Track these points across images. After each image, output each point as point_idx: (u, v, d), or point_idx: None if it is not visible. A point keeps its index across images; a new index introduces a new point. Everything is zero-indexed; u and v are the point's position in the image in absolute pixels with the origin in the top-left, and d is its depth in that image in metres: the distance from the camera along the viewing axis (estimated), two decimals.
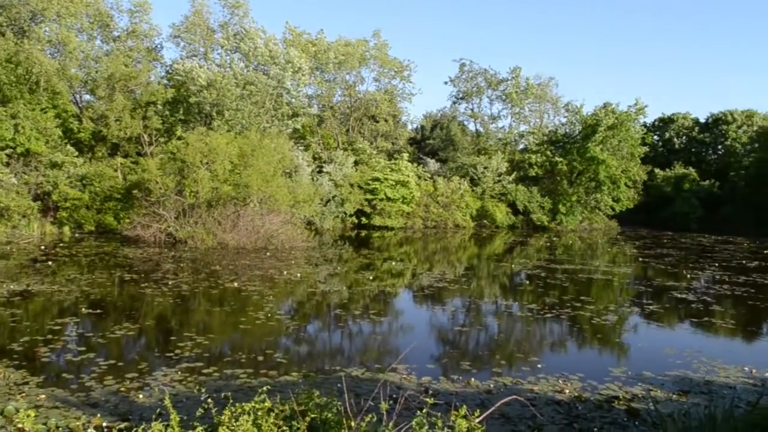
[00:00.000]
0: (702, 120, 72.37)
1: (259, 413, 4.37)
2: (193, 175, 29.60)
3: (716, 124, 69.32)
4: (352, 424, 3.72)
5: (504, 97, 58.55)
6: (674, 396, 10.13)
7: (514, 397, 4.68)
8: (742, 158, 61.47)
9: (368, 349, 13.14)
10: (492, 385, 10.34)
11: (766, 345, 15.11)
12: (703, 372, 11.62)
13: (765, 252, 37.42)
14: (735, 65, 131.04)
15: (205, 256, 26.37)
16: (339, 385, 9.77)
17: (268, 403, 4.53)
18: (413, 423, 3.24)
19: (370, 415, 3.86)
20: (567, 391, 10.13)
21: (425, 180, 49.89)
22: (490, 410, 3.62)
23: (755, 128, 63.17)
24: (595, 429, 8.44)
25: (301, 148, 44.73)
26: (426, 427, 3.15)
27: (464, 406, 3.30)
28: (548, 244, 39.99)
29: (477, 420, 3.25)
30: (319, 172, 44.25)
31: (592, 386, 10.44)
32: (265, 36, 43.28)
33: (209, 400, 5.26)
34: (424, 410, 3.34)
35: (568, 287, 21.77)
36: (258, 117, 40.31)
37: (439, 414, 3.59)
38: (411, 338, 14.29)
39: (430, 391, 9.76)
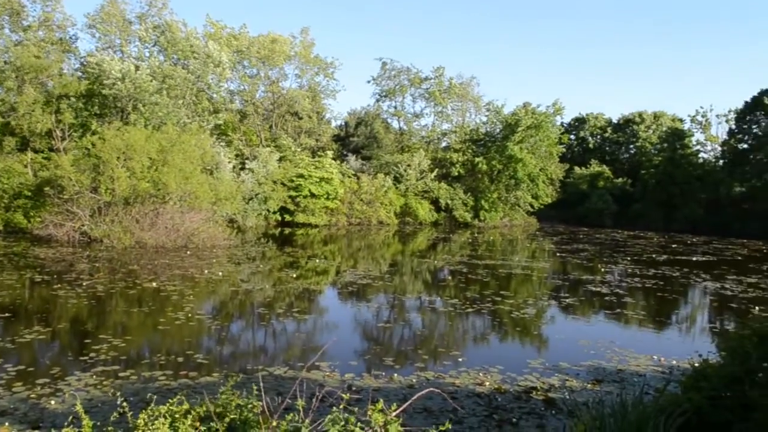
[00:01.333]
0: (615, 120, 75.42)
1: (177, 416, 4.26)
2: (109, 171, 28.54)
3: (627, 124, 72.39)
4: (274, 423, 3.68)
5: (427, 95, 59.32)
6: (589, 385, 10.52)
7: (431, 389, 4.75)
8: (652, 157, 64.38)
9: (292, 348, 13.03)
10: (414, 380, 10.46)
11: (673, 334, 15.89)
12: (615, 361, 12.13)
13: (673, 246, 39.37)
14: (646, 68, 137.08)
15: (123, 255, 25.50)
16: (261, 384, 9.66)
17: (186, 405, 4.43)
18: (326, 419, 3.24)
19: (291, 414, 3.83)
20: (487, 383, 10.36)
21: (349, 177, 49.92)
22: (407, 404, 3.66)
23: (664, 129, 66.28)
24: (514, 419, 8.67)
25: (222, 144, 43.85)
26: (342, 422, 3.15)
27: (381, 401, 3.31)
28: (470, 240, 40.75)
29: (394, 414, 3.28)
30: (242, 169, 43.55)
31: (512, 378, 10.72)
32: (185, 29, 42.23)
33: (124, 404, 5.09)
34: (341, 406, 3.33)
35: (489, 282, 22.25)
36: (177, 112, 39.25)
37: (356, 409, 3.60)
38: (335, 336, 14.26)
39: (353, 388, 9.79)
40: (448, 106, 60.42)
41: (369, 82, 61.11)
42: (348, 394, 3.51)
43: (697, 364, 7.32)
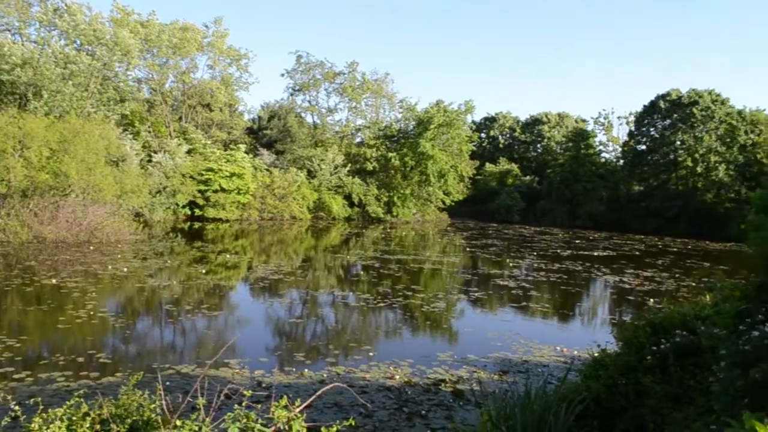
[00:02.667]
0: (523, 120, 77.83)
1: (74, 418, 4.09)
2: (4, 161, 26.95)
3: (535, 124, 74.84)
4: (178, 423, 3.59)
5: (341, 90, 59.24)
6: (495, 376, 10.84)
7: (336, 384, 4.76)
8: (558, 156, 66.86)
9: (201, 345, 12.74)
10: (325, 375, 10.46)
11: (575, 326, 16.59)
12: (521, 353, 12.54)
13: (576, 242, 41.03)
14: (553, 70, 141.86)
15: (20, 250, 24.18)
16: (168, 383, 9.42)
17: (84, 408, 4.25)
18: (226, 417, 3.19)
19: (196, 413, 3.75)
20: (397, 376, 10.49)
21: (262, 171, 49.19)
22: (310, 399, 3.65)
23: (569, 129, 68.96)
24: (423, 411, 8.82)
25: (129, 135, 42.20)
26: (244, 420, 3.12)
27: (285, 397, 3.29)
28: (383, 235, 41.07)
29: (298, 410, 3.27)
30: (149, 161, 42.10)
31: (421, 371, 10.90)
32: (90, 13, 40.35)
33: (17, 408, 4.83)
34: (243, 403, 3.29)
35: (401, 277, 22.51)
36: (81, 100, 37.51)
37: (259, 406, 3.56)
38: (246, 332, 14.05)
39: (263, 384, 9.69)
40: (362, 101, 60.64)
41: (283, 75, 60.68)
42: (250, 391, 3.45)
43: (596, 354, 7.65)
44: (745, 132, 54.29)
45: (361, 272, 24.19)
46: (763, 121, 55.44)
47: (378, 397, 9.36)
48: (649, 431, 5.59)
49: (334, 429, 3.15)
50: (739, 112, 55.54)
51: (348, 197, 53.10)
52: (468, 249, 35.01)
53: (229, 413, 3.22)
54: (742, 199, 48.60)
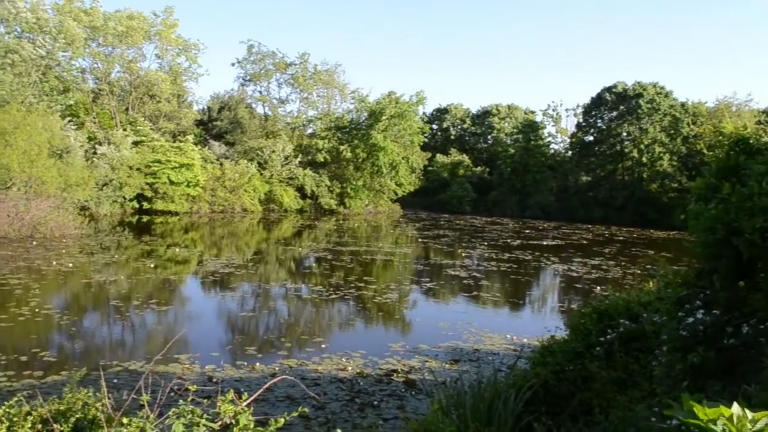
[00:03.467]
0: (474, 112, 78.50)
1: (15, 419, 3.96)
2: None
3: (485, 116, 75.57)
4: (125, 420, 3.51)
5: (292, 81, 58.71)
6: (447, 365, 10.95)
7: (284, 377, 4.75)
8: (508, 147, 67.71)
9: (151, 341, 12.52)
10: (277, 368, 10.41)
11: (525, 314, 16.89)
12: (472, 342, 12.70)
13: (526, 231, 41.69)
14: (501, 63, 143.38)
15: None
16: (116, 380, 9.24)
17: (26, 407, 4.12)
18: (170, 413, 3.14)
19: (142, 411, 3.68)
20: (350, 368, 10.51)
21: (212, 163, 48.39)
22: (257, 393, 3.62)
23: (520, 121, 69.85)
24: (375, 402, 8.86)
25: (73, 126, 40.96)
26: (189, 415, 3.07)
27: (231, 391, 3.26)
28: (336, 227, 40.98)
29: (245, 403, 3.24)
30: (95, 153, 40.97)
31: (374, 362, 10.94)
32: (30, 0, 38.95)
33: None
34: (189, 399, 3.24)
35: (353, 268, 22.51)
36: (22, 90, 36.26)
37: (206, 401, 3.52)
38: (196, 327, 13.88)
39: (214, 379, 9.58)
40: (314, 92, 60.17)
41: (234, 65, 59.67)
42: (195, 386, 3.41)
43: (544, 341, 7.81)
44: (688, 124, 55.96)
45: (314, 264, 24.11)
46: (704, 113, 57.25)
47: (331, 389, 9.37)
48: (595, 415, 5.73)
49: (281, 421, 3.13)
50: (682, 105, 57.24)
51: (300, 189, 52.74)
52: (420, 240, 35.23)
53: (174, 409, 3.17)
54: (685, 189, 50.08)
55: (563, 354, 7.02)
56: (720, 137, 4.74)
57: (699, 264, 4.96)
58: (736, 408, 2.34)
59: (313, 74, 58.16)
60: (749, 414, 2.34)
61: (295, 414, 3.34)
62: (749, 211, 3.94)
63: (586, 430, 5.65)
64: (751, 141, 4.49)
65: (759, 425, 2.32)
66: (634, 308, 6.85)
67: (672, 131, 55.59)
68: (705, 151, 53.26)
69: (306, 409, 3.48)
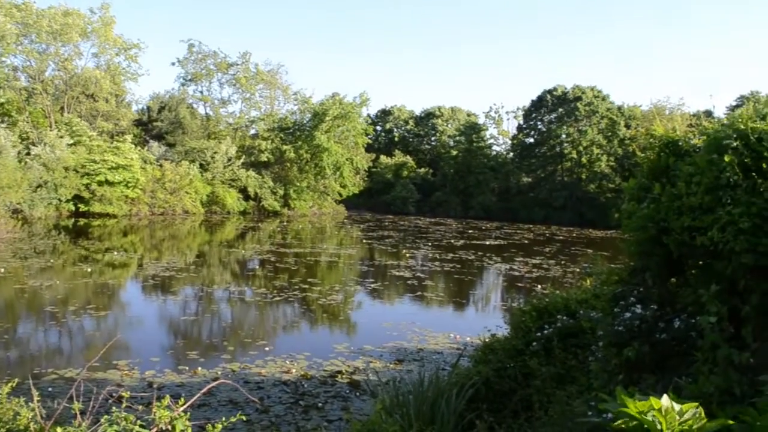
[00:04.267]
0: (417, 113, 79.09)
1: None
2: None
3: (428, 117, 76.23)
4: (58, 429, 3.40)
5: (234, 81, 57.96)
6: (391, 365, 11.00)
7: (222, 381, 4.70)
8: (450, 149, 68.46)
9: (89, 347, 12.17)
10: (220, 372, 10.25)
11: (468, 313, 17.11)
12: (416, 341, 12.79)
13: (470, 232, 42.22)
14: (444, 65, 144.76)
15: None
16: (51, 388, 8.94)
17: None
18: (102, 420, 3.07)
19: (78, 420, 3.57)
20: (294, 370, 10.44)
21: (151, 164, 47.27)
22: (193, 398, 3.56)
23: (463, 123, 70.70)
24: (320, 404, 8.83)
25: (5, 126, 39.43)
26: (123, 423, 3.00)
27: (167, 396, 3.20)
28: (280, 229, 40.65)
29: (181, 409, 3.18)
30: (28, 153, 39.54)
31: (318, 364, 10.89)
32: None
33: None
34: (123, 405, 3.17)
35: (298, 270, 22.37)
36: None
37: (140, 408, 3.45)
38: (136, 331, 13.56)
39: (154, 385, 9.38)
40: (256, 93, 59.51)
41: (174, 64, 58.43)
42: (128, 392, 3.34)
43: (486, 340, 7.91)
44: (624, 126, 57.72)
45: (258, 267, 23.85)
46: (639, 116, 59.16)
47: (274, 392, 9.29)
48: (535, 411, 5.84)
49: (219, 426, 3.08)
50: (619, 108, 59.09)
51: (243, 191, 52.08)
52: (365, 241, 35.27)
53: (106, 416, 3.09)
54: (620, 189, 51.41)
55: (504, 352, 7.14)
56: (651, 140, 4.89)
57: (633, 262, 5.11)
58: (665, 400, 2.45)
59: (255, 74, 57.56)
60: (677, 406, 2.45)
61: (233, 419, 3.30)
62: (678, 210, 4.08)
63: (527, 425, 5.76)
64: (680, 143, 4.65)
65: (686, 416, 2.43)
66: (572, 305, 7.02)
67: (609, 133, 57.26)
68: (639, 152, 55.05)
69: (243, 416, 3.44)
